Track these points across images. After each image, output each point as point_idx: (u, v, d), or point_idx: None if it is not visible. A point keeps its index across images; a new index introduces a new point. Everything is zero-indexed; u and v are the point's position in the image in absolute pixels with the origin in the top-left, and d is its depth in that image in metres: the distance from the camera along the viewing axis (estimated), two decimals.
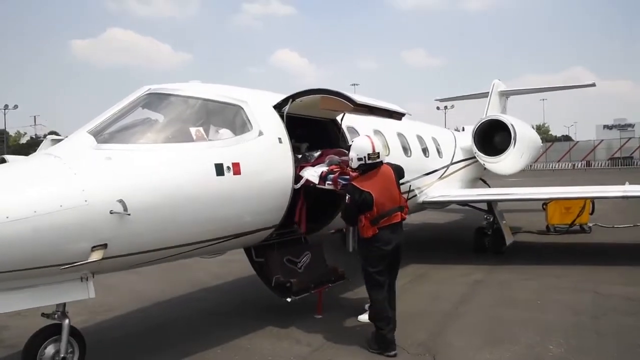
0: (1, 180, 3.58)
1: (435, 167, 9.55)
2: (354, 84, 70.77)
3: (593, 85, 15.84)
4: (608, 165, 54.56)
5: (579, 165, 55.64)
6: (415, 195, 8.57)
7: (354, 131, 6.58)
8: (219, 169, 4.44)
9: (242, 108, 5.06)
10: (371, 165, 4.79)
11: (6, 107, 54.94)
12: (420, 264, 8.46)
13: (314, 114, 5.95)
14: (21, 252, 3.33)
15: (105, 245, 3.69)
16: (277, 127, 5.24)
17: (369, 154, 4.75)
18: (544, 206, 12.00)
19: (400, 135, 8.34)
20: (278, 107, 5.46)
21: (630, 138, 63.70)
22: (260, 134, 4.99)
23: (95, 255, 3.66)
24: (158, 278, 7.57)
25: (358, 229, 4.80)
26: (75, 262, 3.56)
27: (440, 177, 9.77)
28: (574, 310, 5.81)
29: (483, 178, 13.17)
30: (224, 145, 4.66)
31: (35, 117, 66.87)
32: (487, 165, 11.28)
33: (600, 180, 25.91)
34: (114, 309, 6.21)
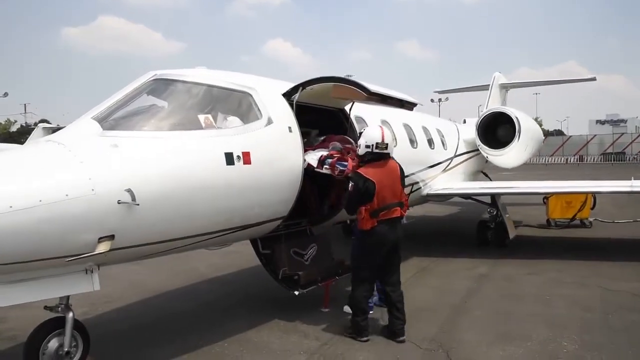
0: (3, 168, 3.39)
1: (440, 160, 9.45)
2: (348, 75, 70.20)
3: (594, 79, 15.78)
4: (601, 161, 54.97)
5: (572, 160, 55.98)
6: (420, 187, 8.47)
7: (361, 121, 6.45)
8: (229, 158, 4.29)
9: (251, 95, 4.89)
10: (378, 155, 4.79)
11: None
12: (423, 257, 8.40)
13: (323, 102, 5.79)
14: (25, 243, 3.16)
15: (112, 237, 3.53)
16: (287, 116, 5.08)
17: (377, 143, 4.75)
18: (545, 200, 11.98)
19: (406, 126, 8.21)
20: (287, 95, 5.30)
21: (622, 134, 64.22)
22: (270, 122, 4.83)
23: (102, 247, 3.50)
24: (159, 268, 7.41)
25: (356, 220, 4.81)
26: (82, 254, 3.41)
27: (445, 170, 9.68)
28: (583, 305, 5.76)
29: (484, 171, 13.12)
30: (233, 134, 4.50)
31: (25, 105, 65.77)
32: (491, 158, 11.19)
33: (595, 175, 26.07)
34: (115, 301, 6.06)
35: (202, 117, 4.45)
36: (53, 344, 3.70)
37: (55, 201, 3.22)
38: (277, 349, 4.60)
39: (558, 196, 11.23)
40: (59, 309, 3.77)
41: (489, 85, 15.40)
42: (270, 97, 5.10)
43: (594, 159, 56.46)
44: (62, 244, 3.33)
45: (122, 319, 5.54)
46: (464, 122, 13.32)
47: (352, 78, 5.39)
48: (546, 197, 11.76)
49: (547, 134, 76.75)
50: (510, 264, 7.98)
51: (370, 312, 5.15)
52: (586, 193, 10.94)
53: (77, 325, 3.85)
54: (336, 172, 5.07)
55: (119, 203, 3.48)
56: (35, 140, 4.56)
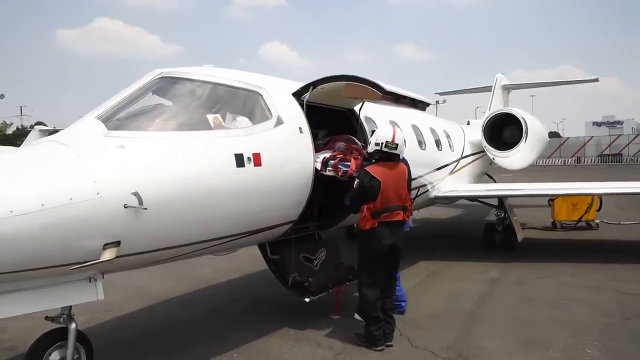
0: (3, 171, 3.18)
1: (447, 161, 9.28)
2: None
3: (596, 80, 15.70)
4: (598, 162, 55.11)
5: (569, 162, 56.10)
6: (428, 189, 8.29)
7: (370, 121, 6.29)
8: (239, 160, 4.09)
9: (261, 95, 4.70)
10: (387, 155, 4.69)
11: None
12: (431, 261, 8.23)
13: (333, 102, 5.61)
14: (26, 250, 2.96)
15: (118, 243, 3.33)
16: (297, 116, 4.90)
17: (387, 142, 4.66)
18: (550, 202, 11.84)
19: (414, 127, 8.04)
20: (297, 94, 5.12)
21: (619, 135, 64.49)
22: (280, 122, 4.64)
23: (107, 254, 3.29)
24: (163, 274, 7.15)
25: (358, 219, 4.74)
26: (86, 262, 3.20)
27: (452, 172, 9.51)
28: (602, 310, 5.60)
29: (488, 173, 12.98)
30: (243, 134, 4.30)
31: (21, 107, 65.27)
32: (497, 160, 11.04)
33: (594, 176, 26.04)
34: (118, 308, 5.83)
35: (210, 117, 4.25)
36: (55, 356, 3.50)
37: (58, 205, 3.02)
38: None
39: (564, 198, 11.08)
40: (61, 319, 3.56)
41: (491, 86, 15.33)
42: (280, 96, 4.92)
43: (591, 161, 56.61)
44: (65, 251, 3.13)
45: (126, 327, 5.33)
46: (468, 123, 13.17)
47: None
48: (551, 199, 11.62)
49: None
50: (520, 267, 7.82)
51: (402, 316, 5.07)
52: (596, 195, 10.79)
53: (80, 336, 3.64)
54: (339, 173, 4.96)
55: (125, 207, 3.28)
56: (37, 140, 4.33)
